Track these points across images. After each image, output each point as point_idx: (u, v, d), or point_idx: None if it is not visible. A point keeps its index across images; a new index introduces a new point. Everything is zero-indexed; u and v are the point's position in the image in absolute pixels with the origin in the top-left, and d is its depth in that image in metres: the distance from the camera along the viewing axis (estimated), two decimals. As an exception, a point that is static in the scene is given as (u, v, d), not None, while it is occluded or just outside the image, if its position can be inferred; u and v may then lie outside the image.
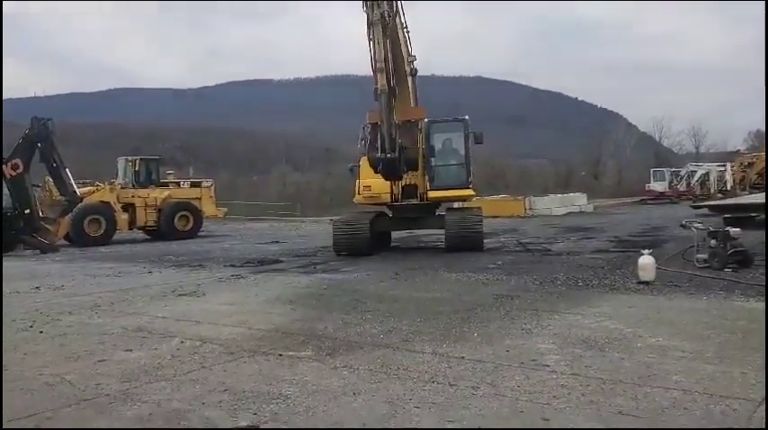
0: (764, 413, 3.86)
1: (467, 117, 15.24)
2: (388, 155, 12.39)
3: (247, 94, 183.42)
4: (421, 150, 14.71)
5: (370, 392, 4.35)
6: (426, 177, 14.77)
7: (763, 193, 26.86)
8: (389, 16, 11.96)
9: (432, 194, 14.73)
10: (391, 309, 7.33)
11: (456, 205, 16.18)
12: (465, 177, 14.79)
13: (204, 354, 5.48)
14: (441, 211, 15.51)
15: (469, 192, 15.10)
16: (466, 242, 13.76)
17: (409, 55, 14.27)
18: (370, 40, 11.92)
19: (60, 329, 6.73)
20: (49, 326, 6.88)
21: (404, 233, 17.77)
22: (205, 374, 4.90)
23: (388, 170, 13.23)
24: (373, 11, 11.64)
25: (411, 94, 14.56)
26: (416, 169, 14.55)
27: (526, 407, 4.00)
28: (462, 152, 14.97)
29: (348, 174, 16.71)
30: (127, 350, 5.74)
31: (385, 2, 11.73)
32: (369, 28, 11.85)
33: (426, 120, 15.00)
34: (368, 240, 13.80)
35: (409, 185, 14.88)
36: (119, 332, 6.49)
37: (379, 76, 11.91)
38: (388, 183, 14.47)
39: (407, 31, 13.98)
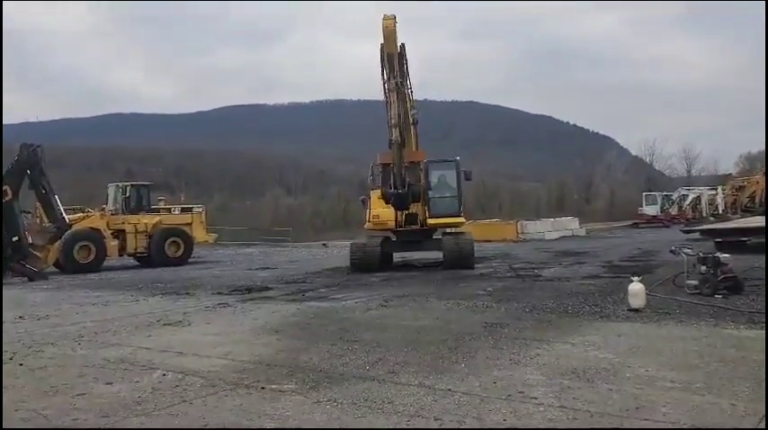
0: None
1: (458, 157, 18.01)
2: (399, 191, 15.19)
3: (242, 118, 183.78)
4: (421, 185, 16.68)
5: (353, 427, 4.26)
6: (425, 207, 16.88)
7: (757, 217, 27.08)
8: (402, 84, 15.18)
9: (430, 221, 16.93)
10: (378, 338, 7.24)
11: (448, 230, 17.73)
12: (457, 207, 17.10)
13: (185, 388, 5.38)
14: (437, 236, 17.49)
15: (461, 219, 17.30)
16: (460, 260, 15.82)
17: (413, 107, 16.94)
18: (386, 102, 14.84)
19: (41, 361, 6.61)
20: (30, 358, 6.75)
21: (398, 257, 18.57)
22: (185, 409, 4.80)
23: (399, 203, 15.96)
24: (390, 81, 14.77)
25: (414, 140, 17.17)
26: (419, 201, 16.67)
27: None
28: (455, 186, 17.24)
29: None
30: (107, 383, 5.63)
31: (399, 74, 14.91)
32: (386, 93, 14.95)
33: (426, 160, 17.34)
34: (378, 259, 16.01)
35: (411, 214, 16.98)
36: (100, 364, 6.38)
37: (393, 130, 14.74)
38: (393, 211, 16.62)
39: (411, 90, 16.77)
